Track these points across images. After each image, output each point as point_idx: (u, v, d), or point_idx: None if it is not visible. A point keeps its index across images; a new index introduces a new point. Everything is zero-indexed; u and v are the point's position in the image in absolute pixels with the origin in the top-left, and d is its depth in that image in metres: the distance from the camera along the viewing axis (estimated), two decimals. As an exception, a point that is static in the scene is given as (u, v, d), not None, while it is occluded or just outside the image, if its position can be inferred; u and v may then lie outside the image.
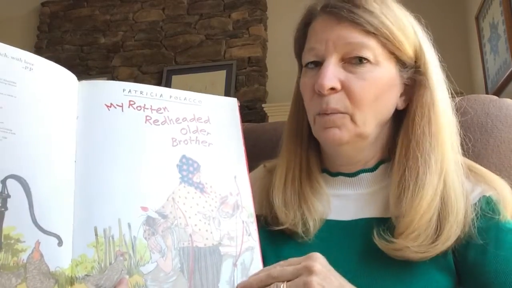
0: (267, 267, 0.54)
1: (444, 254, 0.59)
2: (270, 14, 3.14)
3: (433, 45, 0.67)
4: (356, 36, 0.61)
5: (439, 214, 0.58)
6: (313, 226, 0.65)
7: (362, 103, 0.61)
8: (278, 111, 2.64)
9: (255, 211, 0.70)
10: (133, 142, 0.56)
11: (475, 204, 0.60)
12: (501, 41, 2.12)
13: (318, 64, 0.64)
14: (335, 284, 0.50)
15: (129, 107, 0.57)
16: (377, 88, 0.61)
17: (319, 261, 0.51)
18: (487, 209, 0.60)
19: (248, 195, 0.62)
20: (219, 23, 3.14)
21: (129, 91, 0.58)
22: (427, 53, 0.64)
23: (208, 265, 0.54)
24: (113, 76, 3.21)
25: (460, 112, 0.79)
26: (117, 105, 0.56)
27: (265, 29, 3.12)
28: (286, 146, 0.72)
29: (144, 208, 0.53)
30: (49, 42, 3.40)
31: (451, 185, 0.60)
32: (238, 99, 2.70)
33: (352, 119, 0.62)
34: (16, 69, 0.49)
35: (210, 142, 0.61)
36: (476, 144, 0.76)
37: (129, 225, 0.51)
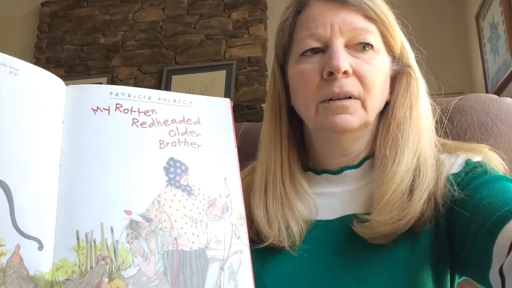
0: None
1: (422, 237, 0.58)
2: (270, 14, 3.14)
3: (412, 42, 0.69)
4: (360, 21, 0.60)
5: (410, 187, 0.58)
6: (299, 232, 0.63)
7: (372, 88, 0.60)
8: (278, 111, 2.63)
9: None
10: (119, 145, 0.55)
11: (460, 171, 0.60)
12: (501, 41, 2.12)
13: (319, 51, 0.62)
14: None
15: (115, 110, 0.56)
16: (381, 74, 0.62)
17: None
18: (470, 167, 0.60)
19: (239, 197, 0.61)
20: (219, 23, 3.13)
21: (116, 94, 0.57)
22: (407, 47, 0.66)
23: (194, 269, 0.54)
24: (113, 76, 3.22)
25: (460, 111, 0.79)
26: (103, 108, 0.56)
27: (265, 29, 3.12)
28: (264, 147, 0.70)
29: (128, 212, 0.52)
30: (49, 42, 3.40)
31: (423, 162, 0.60)
32: (238, 99, 2.70)
33: (363, 105, 0.61)
34: (0, 74, 0.49)
35: (200, 144, 0.60)
36: (476, 143, 0.76)
37: (112, 229, 0.51)
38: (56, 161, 0.51)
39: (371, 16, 0.60)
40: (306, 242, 0.64)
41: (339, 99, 0.60)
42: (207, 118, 0.62)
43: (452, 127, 0.76)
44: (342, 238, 0.62)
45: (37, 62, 3.37)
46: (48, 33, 3.43)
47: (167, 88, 3.04)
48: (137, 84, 3.16)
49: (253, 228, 0.65)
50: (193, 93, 2.95)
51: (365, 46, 0.60)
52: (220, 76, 2.98)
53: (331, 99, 0.60)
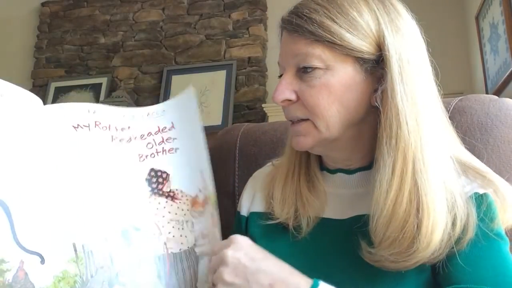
0: None
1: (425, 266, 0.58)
2: (270, 14, 3.13)
3: (423, 36, 0.64)
4: (300, 47, 0.63)
5: (414, 219, 0.56)
6: (306, 223, 0.67)
7: (316, 110, 0.62)
8: (278, 111, 2.63)
9: (257, 208, 0.74)
10: (102, 160, 0.58)
11: (465, 200, 0.58)
12: (501, 41, 2.12)
13: None
14: (259, 256, 0.56)
15: (95, 127, 0.59)
16: (330, 92, 0.62)
17: (240, 238, 0.57)
18: (475, 208, 0.58)
19: (211, 183, 0.65)
20: (219, 23, 3.13)
21: (94, 111, 0.60)
22: (391, 45, 0.60)
23: (185, 267, 0.57)
24: (113, 76, 3.22)
25: (460, 111, 0.79)
26: (84, 125, 0.58)
27: (265, 29, 3.12)
28: (289, 144, 0.74)
29: (119, 222, 0.54)
30: (49, 42, 3.40)
31: (423, 188, 0.57)
32: (238, 99, 2.71)
33: (315, 126, 0.64)
34: None
35: (177, 147, 0.64)
36: (476, 144, 0.76)
37: (106, 239, 0.53)
38: (44, 177, 0.53)
39: (311, 39, 0.62)
40: (314, 237, 0.67)
41: (293, 122, 0.66)
42: (178, 119, 0.66)
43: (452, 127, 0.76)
44: (350, 244, 0.63)
45: (37, 62, 3.37)
46: (48, 33, 3.43)
47: (167, 88, 3.04)
48: (137, 84, 3.16)
49: (271, 207, 0.72)
50: (193, 93, 2.97)
51: (308, 68, 0.62)
52: (220, 76, 2.98)
53: (290, 121, 0.67)
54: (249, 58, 3.01)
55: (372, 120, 0.64)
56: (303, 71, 0.63)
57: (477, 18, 2.49)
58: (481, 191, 0.60)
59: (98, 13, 3.38)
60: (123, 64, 3.24)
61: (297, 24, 0.63)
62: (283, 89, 0.64)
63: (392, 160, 0.58)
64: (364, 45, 0.61)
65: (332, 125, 0.63)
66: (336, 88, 0.62)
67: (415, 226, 0.56)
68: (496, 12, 2.17)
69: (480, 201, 0.59)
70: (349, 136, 0.65)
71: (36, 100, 0.56)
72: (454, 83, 2.54)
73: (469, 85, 2.70)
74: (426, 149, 0.59)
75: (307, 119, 0.64)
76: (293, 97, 0.64)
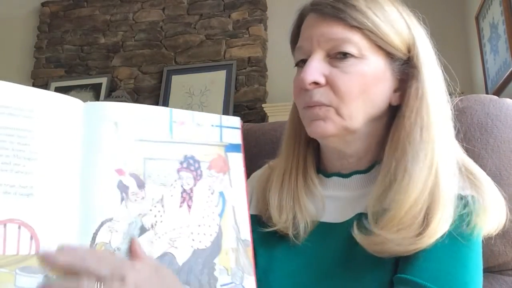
0: (83, 251, 0.47)
1: None
2: (270, 14, 3.13)
3: (431, 41, 0.67)
4: (338, 32, 0.62)
5: (427, 209, 0.57)
6: (304, 229, 0.66)
7: (347, 96, 0.61)
8: (278, 111, 2.64)
9: (253, 211, 0.73)
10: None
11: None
12: (501, 41, 2.12)
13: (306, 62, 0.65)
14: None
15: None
16: (362, 81, 0.62)
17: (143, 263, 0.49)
18: (455, 208, 0.58)
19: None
20: (219, 23, 3.13)
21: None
22: (421, 47, 0.64)
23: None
24: (113, 76, 3.22)
25: (460, 112, 0.79)
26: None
27: (265, 29, 3.12)
28: (285, 146, 0.73)
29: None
30: (49, 42, 3.40)
31: (442, 180, 0.59)
32: (238, 99, 2.70)
33: (338, 112, 0.62)
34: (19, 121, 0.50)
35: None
36: (476, 144, 0.75)
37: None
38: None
39: (352, 24, 0.61)
40: (311, 241, 0.66)
41: (310, 106, 0.63)
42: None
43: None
44: (347, 246, 0.63)
45: (37, 62, 3.37)
46: (48, 33, 3.43)
47: (167, 88, 3.04)
48: (137, 84, 3.16)
49: (267, 213, 0.70)
50: (193, 93, 2.97)
51: (344, 54, 0.62)
52: (220, 76, 2.98)
53: (307, 106, 0.64)
54: (249, 58, 3.01)
55: (385, 121, 0.66)
56: (335, 57, 0.62)
57: (477, 18, 2.49)
58: (462, 193, 0.60)
59: (98, 13, 3.38)
60: (123, 64, 3.24)
61: (339, 8, 0.62)
62: (313, 71, 0.62)
63: (424, 153, 0.59)
64: (398, 41, 0.63)
65: (355, 115, 0.62)
66: (368, 79, 0.62)
67: (428, 216, 0.57)
68: (496, 12, 2.17)
69: (458, 202, 0.59)
70: (364, 132, 0.65)
71: (75, 102, 0.54)
72: (454, 83, 2.54)
73: (469, 85, 2.70)
74: (447, 146, 0.61)
75: (329, 106, 0.62)
76: (322, 80, 0.62)
